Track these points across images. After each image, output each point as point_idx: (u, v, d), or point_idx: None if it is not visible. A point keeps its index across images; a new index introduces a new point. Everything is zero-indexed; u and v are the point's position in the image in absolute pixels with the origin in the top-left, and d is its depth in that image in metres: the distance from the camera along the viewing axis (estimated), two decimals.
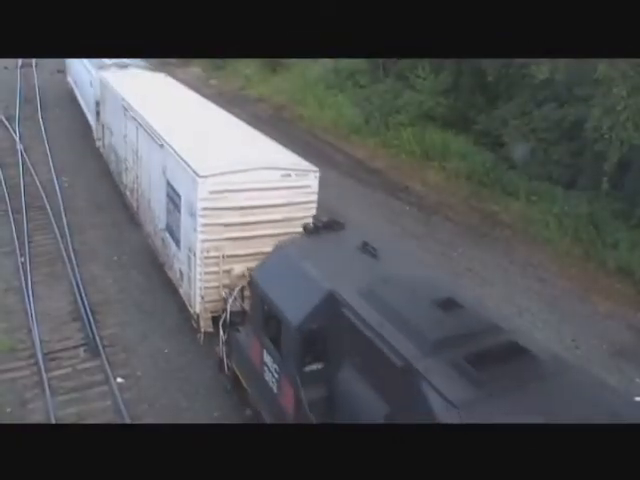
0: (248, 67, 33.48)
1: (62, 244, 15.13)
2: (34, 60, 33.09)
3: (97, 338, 11.65)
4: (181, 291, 11.60)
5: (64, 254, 14.67)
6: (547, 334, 12.47)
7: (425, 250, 15.53)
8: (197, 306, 10.63)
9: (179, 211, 10.98)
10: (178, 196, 10.98)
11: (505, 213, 17.57)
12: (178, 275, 11.61)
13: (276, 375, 7.71)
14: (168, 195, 11.67)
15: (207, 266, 10.17)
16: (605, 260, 14.78)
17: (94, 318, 12.26)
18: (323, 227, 8.47)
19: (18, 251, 14.77)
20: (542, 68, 15.57)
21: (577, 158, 17.48)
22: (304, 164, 10.73)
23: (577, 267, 15.01)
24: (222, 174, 9.88)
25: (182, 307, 12.43)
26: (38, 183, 18.66)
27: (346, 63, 27.51)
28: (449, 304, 6.48)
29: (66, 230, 15.81)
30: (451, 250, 15.76)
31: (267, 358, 7.88)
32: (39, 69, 33.13)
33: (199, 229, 10.03)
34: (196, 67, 36.62)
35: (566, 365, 6.00)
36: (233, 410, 10.01)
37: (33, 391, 10.42)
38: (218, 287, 10.15)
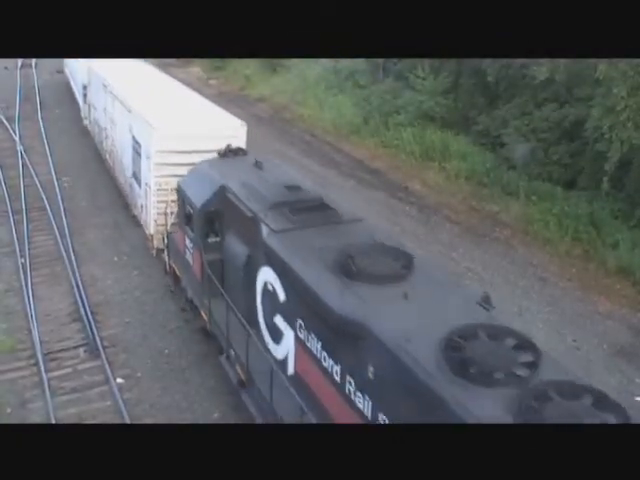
0: (248, 67, 33.49)
1: (62, 245, 15.14)
2: (34, 60, 33.11)
3: (97, 338, 11.66)
4: (142, 221, 14.83)
5: (64, 255, 14.67)
6: (547, 334, 12.47)
7: (425, 250, 15.54)
8: (151, 228, 13.92)
9: (140, 157, 14.27)
10: (140, 146, 14.27)
11: (505, 213, 17.57)
12: (139, 209, 14.98)
13: (191, 250, 10.90)
14: (133, 148, 14.98)
15: (159, 196, 13.25)
16: (605, 260, 14.78)
17: (94, 319, 12.26)
18: (231, 152, 11.40)
19: (18, 252, 14.78)
20: (542, 68, 15.60)
21: (577, 158, 17.48)
22: (234, 119, 14.12)
23: (577, 267, 15.01)
24: (170, 126, 13.24)
25: (182, 306, 12.46)
26: (38, 184, 18.67)
27: (346, 63, 27.54)
28: (292, 187, 9.55)
29: (66, 231, 15.82)
30: (451, 250, 15.76)
31: (187, 242, 11.07)
32: (39, 70, 33.15)
33: (153, 167, 13.25)
34: (196, 67, 36.65)
35: (359, 218, 9.00)
36: (233, 410, 10.02)
37: (33, 391, 10.43)
38: (166, 214, 12.67)
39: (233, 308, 9.04)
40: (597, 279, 14.50)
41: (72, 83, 27.61)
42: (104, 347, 11.51)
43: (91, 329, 11.91)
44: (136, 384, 10.73)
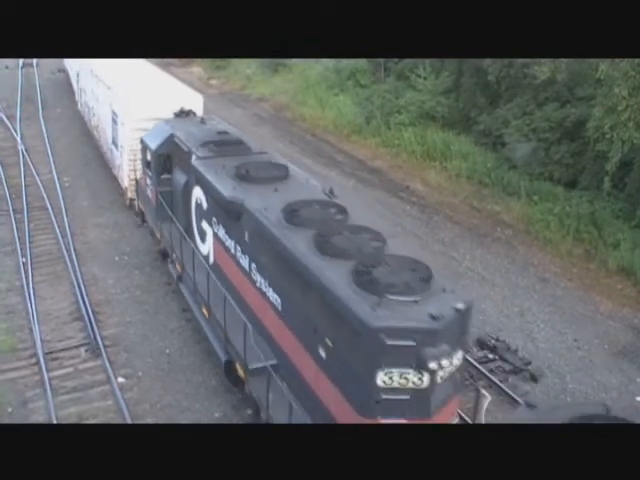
0: (249, 67, 33.49)
1: (63, 244, 15.16)
2: (35, 60, 33.12)
3: (98, 338, 11.66)
4: (119, 178, 18.10)
5: (65, 254, 14.69)
6: (549, 334, 12.48)
7: (426, 250, 15.54)
8: (125, 182, 17.10)
9: (117, 125, 17.45)
10: (117, 116, 17.40)
11: (506, 213, 17.56)
12: (117, 169, 18.15)
13: (150, 187, 13.66)
14: (112, 119, 18.01)
15: (131, 155, 15.82)
16: (606, 260, 14.77)
17: (95, 318, 12.27)
18: (183, 113, 14.45)
19: (19, 251, 14.79)
20: (543, 68, 15.58)
21: (578, 158, 17.47)
22: (194, 92, 17.01)
23: (578, 267, 15.00)
24: (140, 98, 16.16)
25: (183, 306, 12.46)
26: (39, 183, 18.68)
27: (347, 63, 27.54)
28: (221, 132, 12.62)
29: (67, 230, 15.83)
30: (452, 250, 15.75)
31: (148, 181, 13.87)
32: (40, 69, 33.16)
33: (127, 132, 16.25)
34: (197, 67, 36.65)
35: (265, 151, 11.84)
36: (233, 410, 10.02)
37: (34, 391, 10.44)
38: (136, 169, 15.33)
39: (176, 224, 11.78)
40: (598, 279, 14.49)
41: (69, 72, 29.47)
42: (105, 346, 11.52)
43: (92, 328, 11.91)
44: (137, 383, 10.73)
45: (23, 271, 13.91)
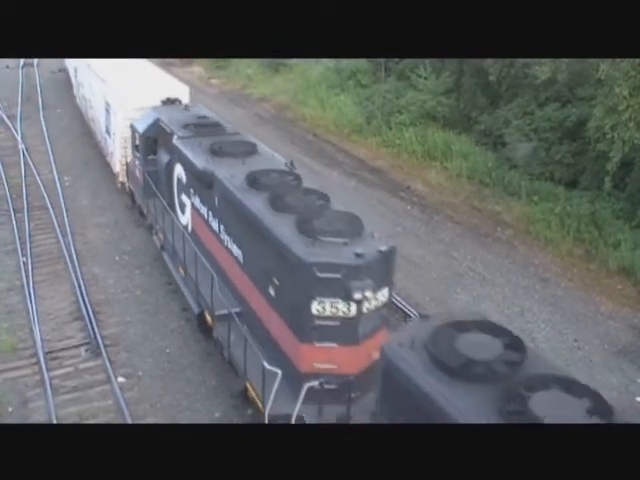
0: (250, 67, 33.46)
1: (64, 244, 15.16)
2: (35, 60, 33.12)
3: (98, 337, 11.67)
4: (111, 164, 19.07)
5: (65, 254, 14.69)
6: (549, 334, 12.47)
7: (426, 250, 15.54)
8: (117, 167, 18.21)
9: (110, 115, 18.53)
10: (110, 106, 18.47)
11: (507, 213, 17.54)
12: (110, 155, 19.19)
13: (138, 168, 15.10)
14: (106, 110, 19.02)
15: (122, 142, 17.01)
16: (607, 260, 14.75)
17: (95, 318, 12.27)
18: (170, 101, 16.00)
19: (20, 251, 14.80)
20: (544, 68, 15.56)
21: (579, 158, 17.45)
22: (181, 84, 18.32)
23: (579, 267, 14.99)
24: (131, 90, 17.29)
25: (183, 306, 12.47)
26: (40, 182, 18.68)
27: (348, 63, 27.51)
28: (201, 116, 14.17)
29: (68, 230, 15.83)
30: (453, 250, 15.75)
31: (137, 163, 15.31)
32: (40, 68, 33.15)
33: (119, 121, 17.29)
34: (198, 67, 36.61)
35: (239, 132, 13.34)
36: (233, 410, 10.02)
37: (35, 390, 10.45)
38: (126, 155, 16.83)
39: (160, 199, 13.20)
40: (599, 279, 14.48)
41: (68, 67, 30.19)
42: (105, 346, 11.52)
43: (92, 328, 11.92)
44: (137, 383, 10.74)
45: (23, 271, 13.92)
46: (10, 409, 10.01)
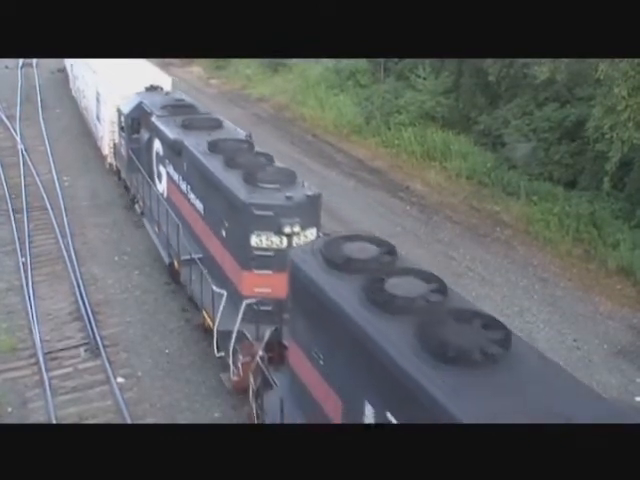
0: (249, 67, 33.46)
1: (63, 244, 15.15)
2: (34, 60, 33.10)
3: (98, 338, 11.66)
4: (101, 148, 20.65)
5: (65, 254, 14.68)
6: (548, 334, 12.47)
7: (426, 250, 15.54)
8: (106, 150, 19.83)
9: (100, 103, 20.40)
10: (100, 95, 20.32)
11: (506, 213, 17.55)
12: (100, 140, 20.86)
13: (124, 146, 16.92)
14: (97, 98, 20.83)
15: (110, 127, 18.83)
16: (606, 260, 14.76)
17: (95, 318, 12.26)
18: (153, 88, 17.63)
19: (19, 251, 14.79)
20: (543, 68, 15.57)
21: (578, 158, 17.46)
22: (164, 74, 20.24)
23: (578, 267, 15.00)
24: (119, 79, 18.76)
25: (183, 306, 12.45)
26: (39, 183, 18.67)
27: (347, 63, 27.52)
28: (179, 99, 15.90)
29: (67, 230, 15.83)
30: (452, 250, 15.75)
31: (122, 142, 17.23)
32: (39, 69, 33.14)
33: (108, 108, 19.00)
34: (197, 67, 36.62)
35: (210, 112, 15.24)
36: (233, 410, 10.02)
37: (34, 391, 10.43)
38: (114, 139, 18.51)
39: (142, 171, 14.86)
40: (598, 279, 14.49)
41: (65, 62, 31.09)
42: (105, 346, 11.51)
43: (92, 328, 11.91)
44: (137, 383, 10.73)
45: (23, 271, 13.91)
46: (9, 409, 10.00)
